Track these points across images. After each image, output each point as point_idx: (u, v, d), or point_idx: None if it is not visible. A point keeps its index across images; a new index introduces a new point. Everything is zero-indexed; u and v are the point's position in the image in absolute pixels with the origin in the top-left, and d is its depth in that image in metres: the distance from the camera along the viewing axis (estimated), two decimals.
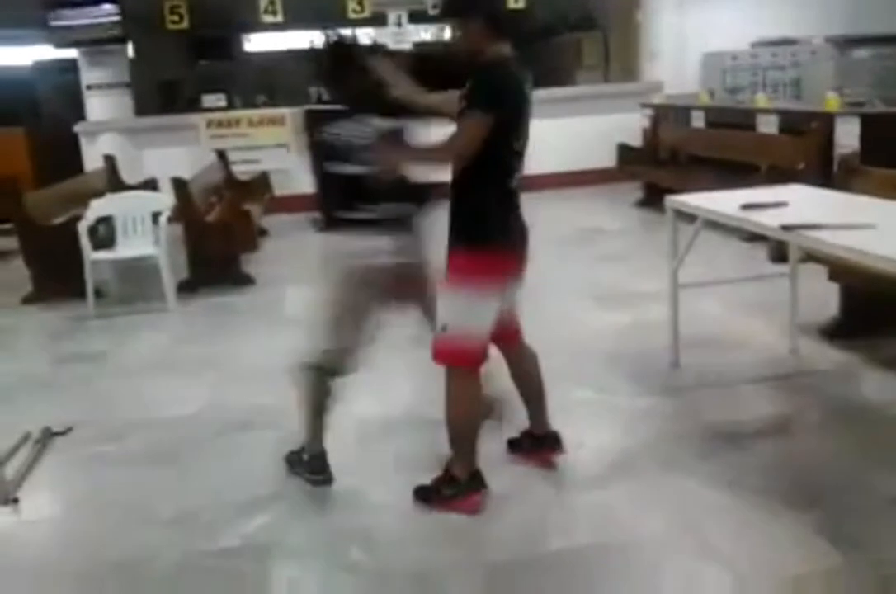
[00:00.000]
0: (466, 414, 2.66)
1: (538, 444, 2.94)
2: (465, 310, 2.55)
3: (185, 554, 2.57)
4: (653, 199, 7.35)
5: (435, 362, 2.63)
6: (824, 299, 4.02)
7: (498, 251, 2.60)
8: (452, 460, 2.68)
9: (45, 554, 2.67)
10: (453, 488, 2.66)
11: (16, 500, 2.96)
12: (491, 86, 2.50)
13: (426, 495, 2.70)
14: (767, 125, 6.59)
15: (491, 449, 2.79)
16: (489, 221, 2.59)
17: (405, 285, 2.82)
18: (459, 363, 2.62)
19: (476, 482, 2.67)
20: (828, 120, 5.85)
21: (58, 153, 8.55)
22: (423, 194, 2.86)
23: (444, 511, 2.64)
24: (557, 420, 2.98)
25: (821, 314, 4.04)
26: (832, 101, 6.15)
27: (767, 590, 2.21)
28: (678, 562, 2.37)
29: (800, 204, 3.36)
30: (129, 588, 2.44)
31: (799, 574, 2.27)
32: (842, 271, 3.73)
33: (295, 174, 8.33)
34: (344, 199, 2.76)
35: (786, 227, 2.95)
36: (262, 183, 7.99)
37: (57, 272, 5.57)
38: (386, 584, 2.35)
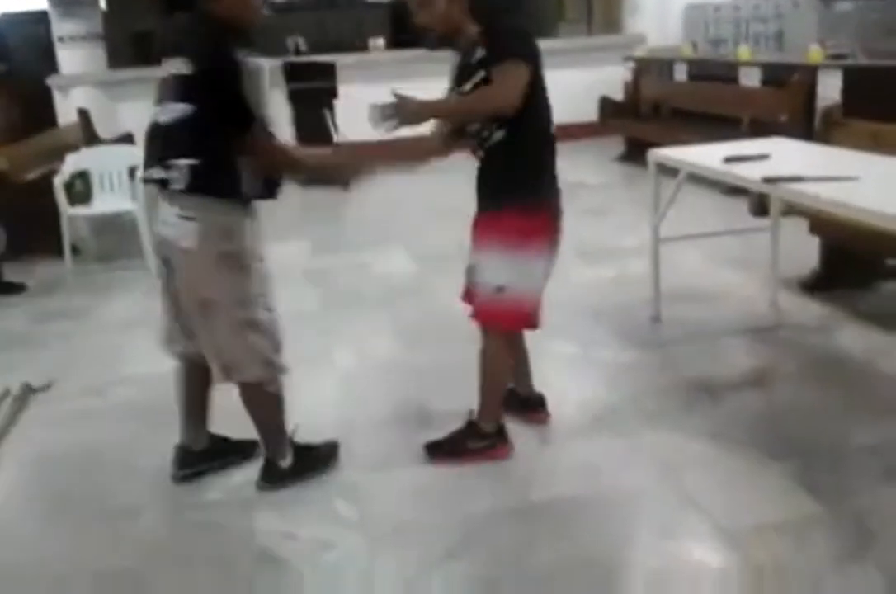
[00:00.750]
0: (503, 372, 2.71)
1: (522, 405, 2.95)
2: (524, 271, 2.51)
3: (169, 507, 2.59)
4: (635, 153, 7.30)
5: (484, 325, 2.60)
6: (805, 253, 4.04)
7: (553, 209, 2.58)
8: (481, 415, 2.70)
9: (28, 510, 2.67)
10: (483, 441, 2.70)
11: None
12: (520, 34, 2.45)
13: (451, 448, 2.71)
14: (750, 78, 6.54)
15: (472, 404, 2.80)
16: (543, 177, 2.55)
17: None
18: (514, 326, 2.64)
19: (503, 434, 2.73)
20: (810, 72, 5.80)
21: (30, 107, 8.36)
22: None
23: (474, 462, 2.66)
24: (540, 375, 2.99)
25: (801, 267, 4.06)
26: (815, 54, 6.10)
27: (746, 538, 2.25)
28: (659, 512, 2.40)
29: (782, 157, 3.34)
30: (116, 541, 2.44)
31: (777, 522, 2.31)
32: (823, 224, 3.74)
33: (274, 127, 8.22)
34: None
35: (767, 180, 2.94)
36: None
37: (32, 229, 5.48)
38: (369, 535, 2.37)
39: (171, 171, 2.32)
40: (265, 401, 2.56)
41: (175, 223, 2.36)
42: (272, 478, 2.62)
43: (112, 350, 3.88)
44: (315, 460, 2.70)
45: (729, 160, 3.27)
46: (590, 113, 8.20)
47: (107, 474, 2.82)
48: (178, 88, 2.33)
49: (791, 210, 3.80)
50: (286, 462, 2.63)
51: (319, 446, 2.75)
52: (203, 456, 2.72)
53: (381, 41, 9.47)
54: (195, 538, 2.44)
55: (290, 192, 7.20)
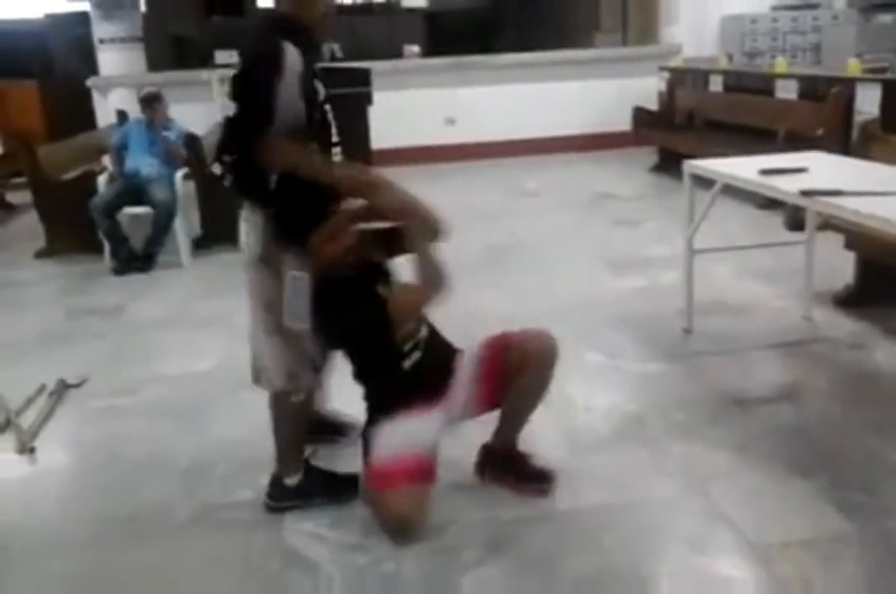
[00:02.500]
0: None
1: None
2: None
3: (199, 505, 2.61)
4: (668, 164, 7.29)
5: None
6: (840, 268, 4.01)
7: None
8: None
9: (62, 503, 2.71)
10: None
11: (32, 450, 3.00)
12: None
13: None
14: (786, 90, 6.49)
15: None
16: None
17: None
18: None
19: None
20: (848, 86, 5.76)
21: (70, 107, 8.50)
22: None
23: None
24: (568, 383, 2.99)
25: (835, 283, 4.03)
26: (853, 67, 6.05)
27: (774, 554, 2.23)
28: (685, 524, 2.40)
29: (819, 170, 3.32)
30: (145, 537, 2.48)
31: (806, 539, 2.29)
32: (859, 239, 3.70)
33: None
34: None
35: (805, 193, 2.93)
36: None
37: (70, 227, 5.58)
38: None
39: (223, 167, 2.33)
40: (285, 413, 2.50)
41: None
42: (274, 493, 2.55)
43: (146, 348, 3.93)
44: (327, 488, 2.59)
45: (765, 172, 3.26)
46: (623, 123, 8.18)
47: (137, 471, 2.85)
48: (232, 85, 2.35)
49: (826, 225, 3.78)
50: (292, 480, 2.54)
51: (337, 475, 2.63)
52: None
53: (415, 48, 9.51)
54: (223, 536, 2.46)
55: None
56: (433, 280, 2.32)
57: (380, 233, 2.33)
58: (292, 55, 2.21)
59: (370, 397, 2.55)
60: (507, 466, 2.62)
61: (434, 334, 2.57)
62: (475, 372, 2.51)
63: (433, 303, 2.37)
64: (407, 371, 2.45)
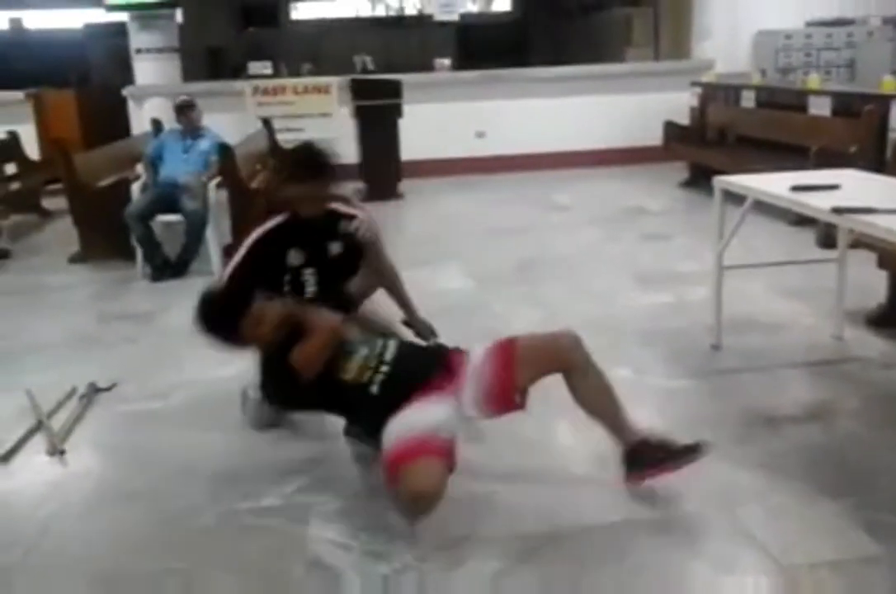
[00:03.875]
0: None
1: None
2: None
3: (224, 511, 2.63)
4: (698, 179, 7.26)
5: None
6: (872, 287, 3.97)
7: None
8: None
9: (90, 504, 2.74)
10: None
11: (62, 452, 3.05)
12: None
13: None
14: (819, 107, 6.46)
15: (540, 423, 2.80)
16: None
17: None
18: None
19: None
20: (883, 103, 5.72)
21: (106, 116, 8.64)
22: None
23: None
24: None
25: (867, 302, 3.99)
26: (888, 84, 6.02)
27: (800, 575, 2.21)
28: (711, 543, 2.38)
29: (852, 188, 3.30)
30: (173, 541, 2.50)
31: (833, 561, 2.26)
32: (892, 258, 3.67)
33: (338, 144, 8.36)
34: None
35: (837, 210, 2.91)
36: None
37: (104, 233, 5.66)
38: (422, 549, 2.38)
39: None
40: None
41: None
42: None
43: (175, 354, 3.97)
44: None
45: (797, 189, 3.24)
46: (654, 137, 8.18)
47: (165, 475, 2.88)
48: None
49: (858, 243, 3.75)
50: None
51: None
52: None
53: (446, 61, 9.59)
54: (249, 542, 2.48)
55: None
56: (319, 324, 2.62)
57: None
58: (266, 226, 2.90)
59: (358, 425, 2.73)
60: (653, 457, 2.57)
61: (403, 345, 2.77)
62: (481, 368, 2.58)
63: (329, 345, 2.59)
64: (377, 394, 2.57)
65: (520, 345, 2.62)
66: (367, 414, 2.60)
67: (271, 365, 2.72)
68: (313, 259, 2.94)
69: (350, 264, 3.07)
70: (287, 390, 2.69)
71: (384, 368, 2.60)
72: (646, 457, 2.58)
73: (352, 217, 3.04)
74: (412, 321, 3.21)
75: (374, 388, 2.57)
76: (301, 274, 2.94)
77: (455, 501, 2.57)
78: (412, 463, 2.33)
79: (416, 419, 2.47)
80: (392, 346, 2.69)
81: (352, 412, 2.69)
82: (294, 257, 2.92)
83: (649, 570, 2.26)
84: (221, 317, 2.68)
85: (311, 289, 2.95)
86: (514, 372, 2.55)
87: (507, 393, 2.56)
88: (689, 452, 2.56)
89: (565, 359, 2.59)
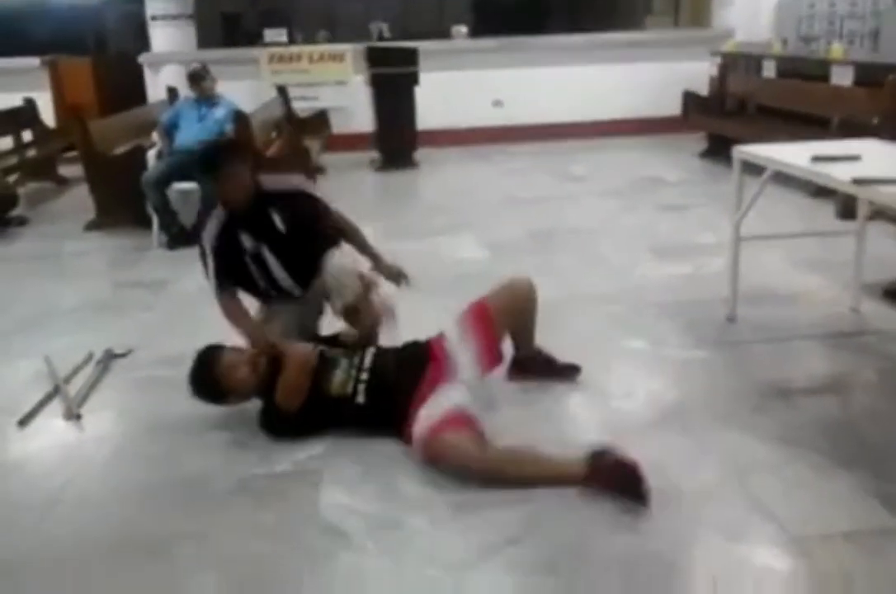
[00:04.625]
0: None
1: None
2: None
3: (237, 477, 2.65)
4: (717, 149, 7.19)
5: None
6: (890, 259, 3.94)
7: None
8: None
9: (105, 469, 2.78)
10: None
11: (79, 417, 3.08)
12: None
13: None
14: (842, 77, 6.35)
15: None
16: None
17: None
18: None
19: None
20: None
21: (122, 83, 8.60)
22: None
23: None
24: (610, 369, 2.97)
25: (885, 274, 3.95)
26: None
27: (813, 546, 2.21)
28: (724, 513, 2.37)
29: (873, 158, 3.25)
30: (187, 505, 2.53)
31: (847, 531, 2.26)
32: None
33: (353, 112, 8.30)
34: None
35: (858, 181, 2.87)
36: (321, 120, 7.97)
37: (120, 200, 5.67)
38: (432, 516, 2.40)
39: None
40: None
41: None
42: None
43: (191, 321, 3.98)
44: None
45: (817, 159, 3.19)
46: (673, 107, 8.08)
47: (179, 441, 2.91)
48: None
49: (878, 214, 3.70)
50: None
51: None
52: None
53: (463, 29, 9.45)
54: (261, 507, 2.50)
55: (363, 177, 7.39)
56: (292, 354, 2.85)
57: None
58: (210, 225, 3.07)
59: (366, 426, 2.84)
60: (535, 366, 3.11)
61: (380, 350, 2.96)
62: (463, 331, 2.85)
63: (306, 373, 2.79)
64: (364, 403, 2.76)
65: (491, 307, 2.92)
66: (363, 424, 2.80)
67: (266, 405, 2.88)
68: (262, 237, 3.09)
69: (303, 234, 3.14)
70: (287, 422, 2.81)
71: (364, 376, 2.80)
72: (536, 365, 3.12)
73: (284, 191, 3.19)
74: (381, 268, 3.35)
75: (360, 398, 2.77)
76: (260, 254, 3.10)
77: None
78: (446, 433, 2.54)
79: (438, 403, 2.65)
80: (369, 354, 2.89)
81: (349, 425, 2.82)
82: (246, 240, 3.08)
83: (661, 539, 2.26)
84: (210, 385, 2.89)
85: (276, 268, 3.12)
86: (494, 331, 2.91)
87: (493, 352, 2.90)
88: (568, 369, 3.11)
89: (529, 308, 3.02)
